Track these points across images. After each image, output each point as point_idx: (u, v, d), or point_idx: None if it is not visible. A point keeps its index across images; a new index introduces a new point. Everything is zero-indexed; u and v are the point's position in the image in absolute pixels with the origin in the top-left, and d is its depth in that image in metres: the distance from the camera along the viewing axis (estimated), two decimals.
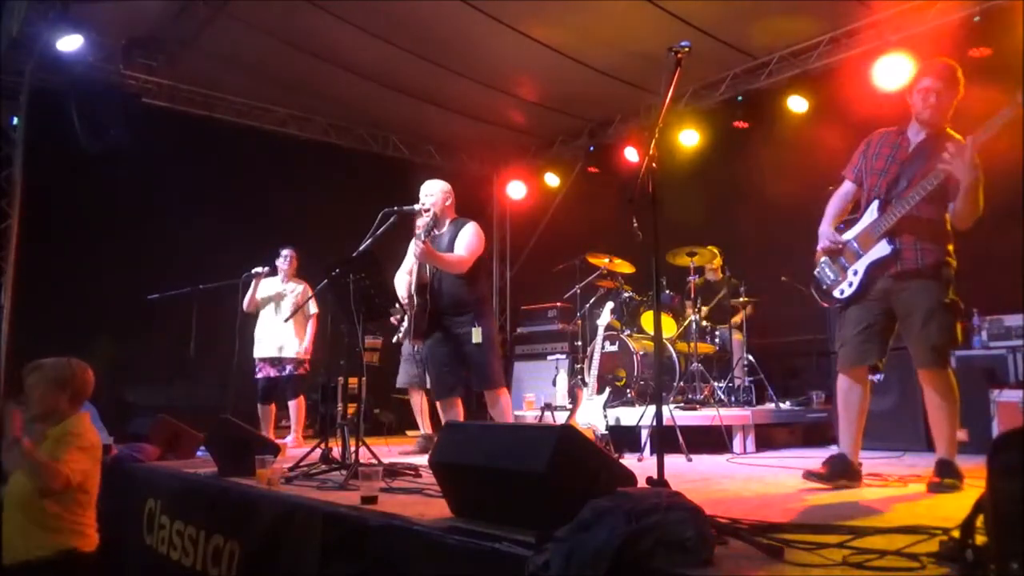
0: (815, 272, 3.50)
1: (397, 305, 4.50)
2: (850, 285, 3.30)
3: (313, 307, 6.34)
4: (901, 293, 3.22)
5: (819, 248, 3.47)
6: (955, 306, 3.21)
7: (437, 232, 4.66)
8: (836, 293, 3.36)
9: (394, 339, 5.85)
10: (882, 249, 3.22)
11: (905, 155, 3.31)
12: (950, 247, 3.25)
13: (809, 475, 3.28)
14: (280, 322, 6.27)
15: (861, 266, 3.28)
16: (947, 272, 3.20)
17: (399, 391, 6.52)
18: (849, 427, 3.36)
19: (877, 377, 4.83)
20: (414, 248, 4.30)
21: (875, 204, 3.30)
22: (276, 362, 6.29)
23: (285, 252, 6.47)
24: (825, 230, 3.45)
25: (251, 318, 6.40)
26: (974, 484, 3.02)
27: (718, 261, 6.91)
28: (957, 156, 3.01)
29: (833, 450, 5.31)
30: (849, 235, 3.36)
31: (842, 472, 3.25)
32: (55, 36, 5.95)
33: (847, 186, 3.53)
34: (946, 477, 3.08)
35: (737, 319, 6.68)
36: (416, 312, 4.55)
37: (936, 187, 3.14)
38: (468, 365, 4.52)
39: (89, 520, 3.40)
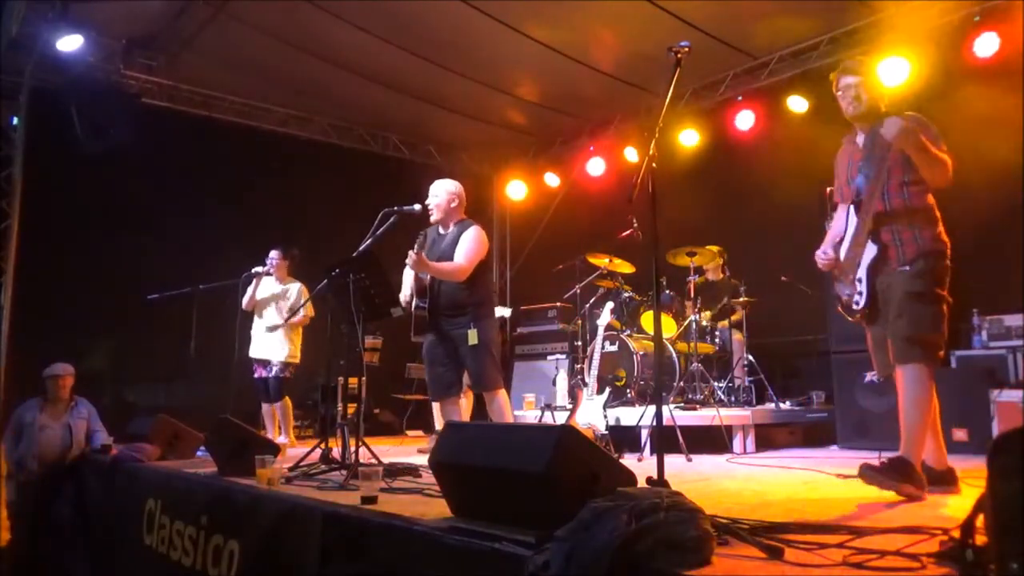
0: (835, 291, 3.45)
1: (401, 308, 4.49)
2: (860, 294, 3.26)
3: (304, 311, 6.33)
4: (888, 291, 3.18)
5: (821, 266, 3.43)
6: (929, 296, 3.06)
7: (442, 231, 4.64)
8: (854, 305, 3.31)
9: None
10: (870, 250, 3.21)
11: (859, 157, 3.34)
12: (936, 231, 3.16)
13: (867, 469, 2.94)
14: (270, 324, 6.32)
15: (862, 272, 3.25)
16: (921, 264, 3.09)
17: (400, 391, 6.54)
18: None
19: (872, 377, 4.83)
20: (408, 260, 4.28)
21: (851, 210, 3.32)
22: (264, 363, 6.35)
23: (271, 254, 6.46)
24: (819, 251, 3.42)
25: (250, 318, 6.41)
26: (974, 484, 3.02)
27: (718, 260, 6.91)
28: (888, 127, 3.03)
29: (833, 450, 5.38)
30: (844, 247, 3.34)
31: (901, 476, 2.90)
32: (55, 36, 5.95)
33: (839, 209, 3.52)
34: (876, 473, 2.88)
35: (736, 317, 6.67)
36: (416, 313, 4.55)
37: (894, 171, 3.14)
38: (465, 366, 4.52)
39: None
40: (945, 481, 3.13)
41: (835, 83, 3.37)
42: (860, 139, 3.38)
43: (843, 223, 3.44)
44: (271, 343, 6.34)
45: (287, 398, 6.41)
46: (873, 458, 2.99)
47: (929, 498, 2.91)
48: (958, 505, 2.77)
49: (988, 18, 5.65)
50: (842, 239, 3.39)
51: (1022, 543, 1.38)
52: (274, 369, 6.31)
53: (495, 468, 2.31)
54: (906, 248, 3.13)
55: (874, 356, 3.35)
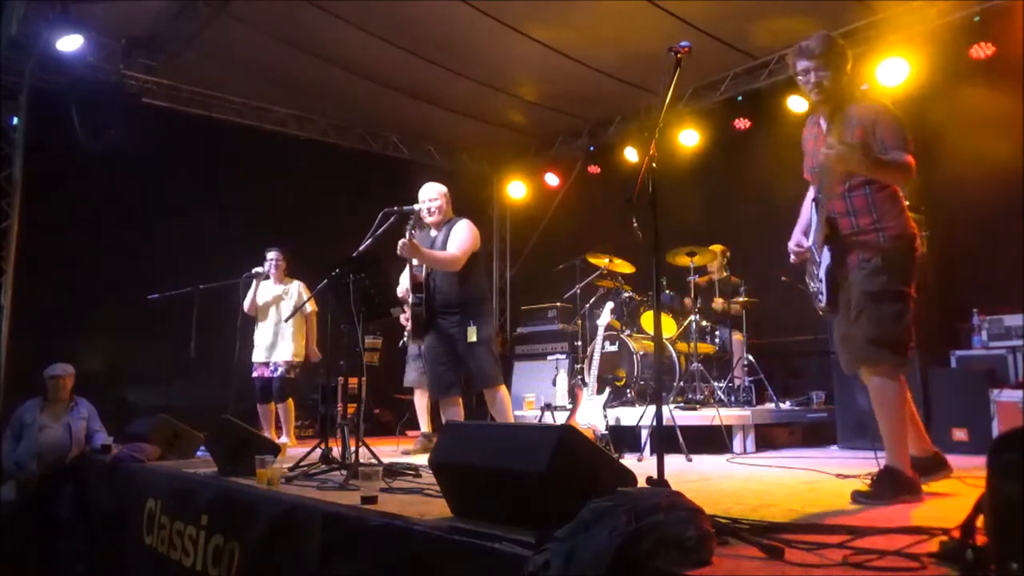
0: (807, 279, 3.31)
1: (401, 308, 4.50)
2: (822, 294, 3.12)
3: (309, 306, 6.32)
4: (847, 290, 3.03)
5: (793, 260, 3.30)
6: (888, 293, 2.89)
7: (432, 233, 4.68)
8: (818, 303, 3.18)
9: (400, 343, 5.89)
10: (826, 257, 3.06)
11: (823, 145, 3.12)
12: (901, 222, 2.96)
13: (859, 496, 2.86)
14: (276, 325, 6.31)
15: (822, 272, 3.10)
16: (878, 261, 2.91)
17: (400, 391, 6.54)
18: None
19: None
20: (399, 246, 4.30)
21: (813, 208, 3.15)
22: (268, 364, 6.33)
23: (271, 256, 6.42)
24: (790, 241, 3.28)
25: (251, 318, 6.40)
26: (974, 484, 3.02)
27: (721, 260, 6.90)
28: (827, 150, 2.83)
29: (833, 450, 5.38)
30: (810, 240, 3.18)
31: (895, 488, 2.84)
32: (55, 36, 5.94)
33: (811, 188, 3.38)
34: (869, 498, 2.79)
35: (737, 313, 6.66)
36: (412, 311, 4.56)
37: (846, 178, 2.94)
38: (465, 364, 4.53)
39: None
40: (932, 467, 3.05)
41: (792, 65, 3.09)
42: (823, 120, 3.16)
43: (811, 206, 3.27)
44: (275, 344, 6.32)
45: (290, 399, 6.41)
46: (868, 456, 2.95)
47: (929, 498, 2.91)
48: (958, 505, 2.77)
49: (988, 18, 5.64)
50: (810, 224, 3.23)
51: (1022, 543, 1.38)
52: (280, 369, 6.30)
53: (495, 468, 2.32)
54: (866, 251, 2.96)
55: (839, 351, 3.15)
